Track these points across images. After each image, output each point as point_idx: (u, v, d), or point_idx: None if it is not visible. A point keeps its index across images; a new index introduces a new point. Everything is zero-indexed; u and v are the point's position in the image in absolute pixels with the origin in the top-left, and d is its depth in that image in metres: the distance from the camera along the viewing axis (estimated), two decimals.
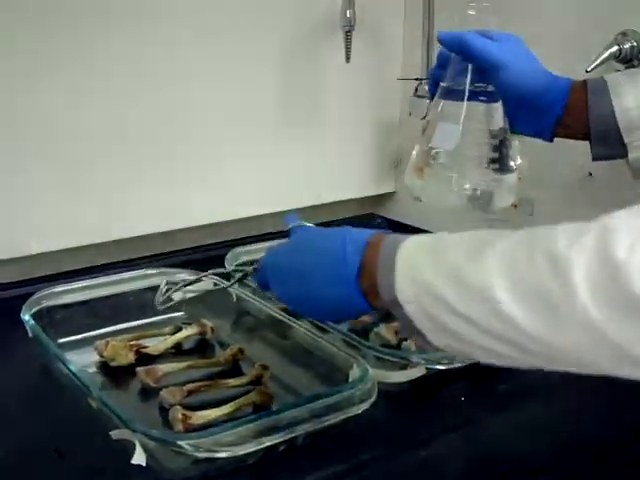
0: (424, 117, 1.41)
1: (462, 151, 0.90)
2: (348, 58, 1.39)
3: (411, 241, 0.69)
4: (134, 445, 0.74)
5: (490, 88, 0.91)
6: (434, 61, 1.40)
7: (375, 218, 1.62)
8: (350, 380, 0.87)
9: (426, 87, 1.42)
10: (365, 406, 0.82)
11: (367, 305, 0.72)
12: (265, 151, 1.41)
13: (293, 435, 0.77)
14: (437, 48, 1.40)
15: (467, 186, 0.91)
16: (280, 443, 0.77)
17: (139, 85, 1.25)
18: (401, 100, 1.56)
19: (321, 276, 0.74)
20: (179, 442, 0.72)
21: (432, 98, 0.95)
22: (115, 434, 0.75)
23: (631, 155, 0.89)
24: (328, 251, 0.75)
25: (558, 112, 0.91)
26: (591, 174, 1.25)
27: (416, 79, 1.44)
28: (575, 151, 1.20)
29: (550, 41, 1.26)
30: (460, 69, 0.91)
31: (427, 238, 0.70)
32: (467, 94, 0.91)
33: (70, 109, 1.19)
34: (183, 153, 1.32)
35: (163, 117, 1.28)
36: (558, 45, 1.23)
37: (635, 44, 1.12)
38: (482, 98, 0.91)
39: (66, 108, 1.18)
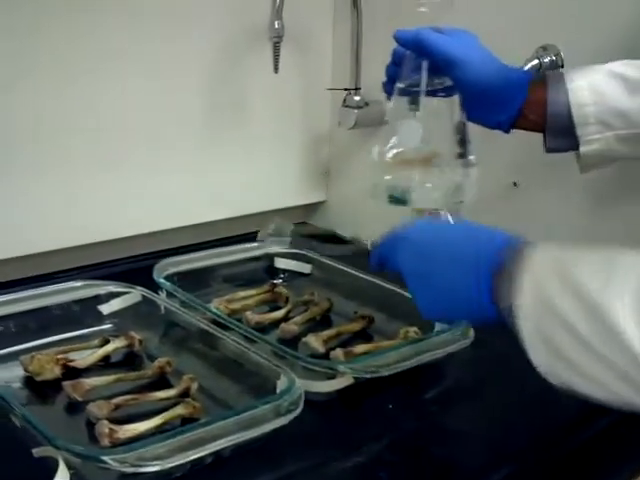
0: (352, 127, 1.44)
1: (433, 148, 0.92)
2: (276, 68, 1.39)
3: (541, 252, 0.69)
4: (58, 462, 0.74)
5: (448, 83, 0.93)
6: (363, 72, 1.44)
7: (307, 227, 1.63)
8: (277, 391, 0.88)
9: (355, 97, 1.44)
10: (292, 416, 0.82)
11: (489, 303, 0.72)
12: (194, 161, 1.41)
13: (220, 447, 0.77)
14: (366, 59, 1.44)
15: (445, 183, 0.93)
16: (207, 455, 0.77)
17: (59, 83, 1.23)
18: (330, 110, 1.57)
19: (459, 263, 0.74)
20: (103, 457, 0.72)
21: (389, 96, 0.96)
22: (37, 451, 0.74)
23: (582, 148, 0.93)
24: (470, 241, 0.75)
25: (518, 106, 0.94)
26: (515, 184, 1.27)
27: (345, 89, 1.46)
28: (500, 161, 1.24)
29: None
30: (416, 66, 0.92)
31: (557, 252, 0.69)
32: (425, 90, 0.92)
33: None
34: (109, 163, 1.31)
35: (89, 125, 1.27)
36: None
37: (554, 58, 1.15)
38: (441, 94, 0.93)
39: None
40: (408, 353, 0.98)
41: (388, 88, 0.97)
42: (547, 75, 0.95)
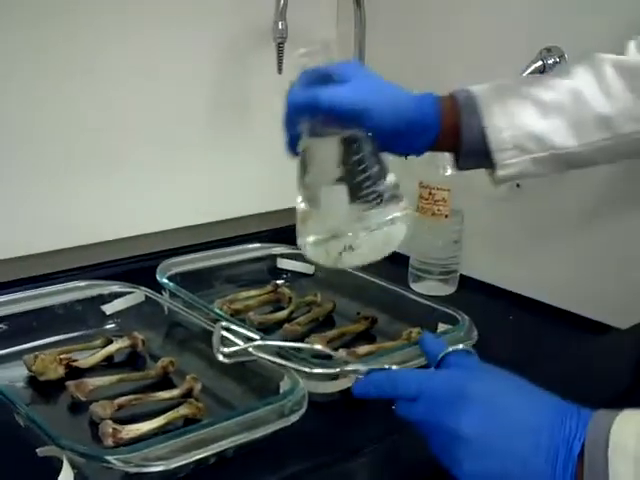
0: None
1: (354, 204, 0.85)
2: (280, 69, 1.39)
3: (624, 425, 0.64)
4: (62, 462, 0.74)
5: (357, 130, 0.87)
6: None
7: None
8: (281, 391, 0.88)
9: None
10: (296, 417, 0.82)
11: None
12: (197, 161, 1.41)
13: (224, 448, 0.77)
14: (370, 59, 1.44)
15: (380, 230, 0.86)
16: (211, 456, 0.77)
17: (61, 82, 1.23)
18: None
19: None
20: (107, 457, 0.72)
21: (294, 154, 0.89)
22: (41, 451, 0.74)
23: (500, 172, 0.92)
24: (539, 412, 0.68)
25: (432, 137, 0.92)
26: (518, 185, 1.27)
27: None
28: None
29: (474, 54, 1.29)
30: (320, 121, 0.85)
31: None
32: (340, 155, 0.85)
33: None
34: (112, 163, 1.31)
35: (91, 125, 1.27)
36: (482, 58, 1.26)
37: (558, 60, 1.15)
38: (355, 145, 0.86)
39: None
40: (411, 354, 0.98)
41: (292, 146, 0.90)
42: (457, 98, 0.92)
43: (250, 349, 0.78)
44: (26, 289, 1.11)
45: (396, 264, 1.32)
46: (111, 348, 1.04)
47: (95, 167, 1.29)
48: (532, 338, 1.17)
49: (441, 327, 1.09)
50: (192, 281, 1.20)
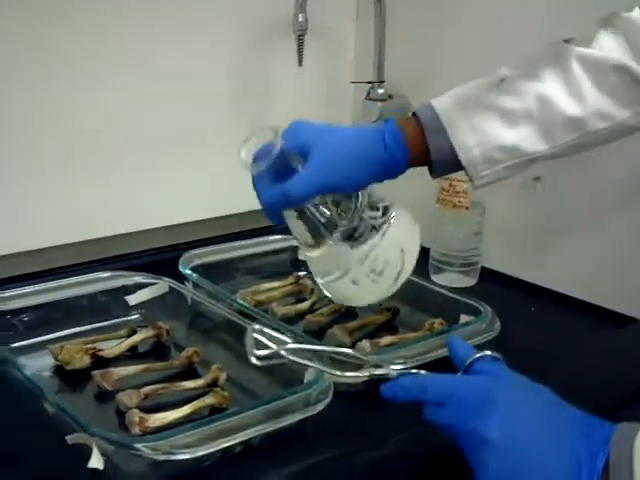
0: (376, 120, 1.44)
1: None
2: (300, 62, 1.40)
3: None
4: (91, 449, 0.75)
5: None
6: (386, 64, 1.44)
7: None
8: (305, 381, 0.88)
9: (379, 90, 1.44)
10: (321, 406, 0.83)
11: None
12: (217, 153, 1.41)
13: (250, 436, 0.78)
14: (390, 52, 1.44)
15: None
16: (237, 444, 0.78)
17: (89, 79, 1.25)
18: (352, 103, 1.57)
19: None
20: (136, 445, 0.73)
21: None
22: (71, 438, 0.75)
23: (475, 182, 0.93)
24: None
25: (403, 167, 0.92)
26: (538, 178, 1.27)
27: (368, 82, 1.46)
28: None
29: (492, 48, 1.29)
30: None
31: None
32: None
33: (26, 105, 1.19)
34: (136, 154, 1.32)
35: (115, 116, 1.28)
36: (500, 52, 1.26)
37: None
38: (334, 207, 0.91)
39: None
40: (434, 345, 0.98)
41: (275, 219, 0.93)
42: (421, 120, 0.91)
43: (282, 352, 0.78)
44: (50, 280, 1.12)
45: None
46: (136, 338, 1.05)
47: (119, 160, 1.30)
48: (554, 330, 1.17)
49: (463, 318, 1.10)
50: (214, 272, 1.21)
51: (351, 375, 0.82)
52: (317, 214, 0.90)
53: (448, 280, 1.30)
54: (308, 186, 0.86)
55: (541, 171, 1.24)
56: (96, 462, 0.73)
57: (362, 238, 0.91)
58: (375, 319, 1.15)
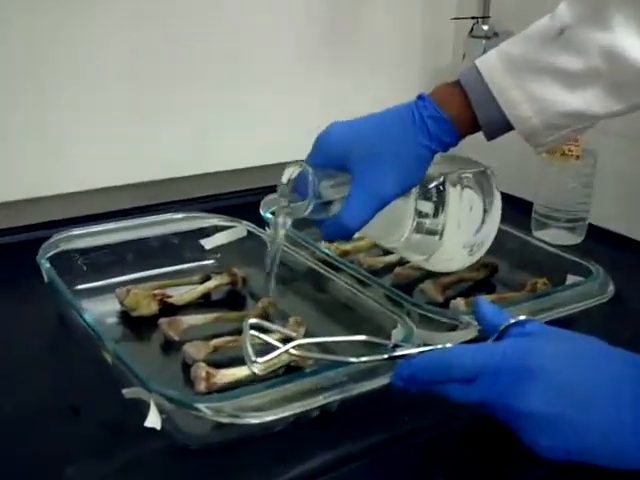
0: None
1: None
2: None
3: None
4: (148, 405, 0.66)
5: None
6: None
7: None
8: (394, 339, 0.78)
9: (483, 27, 1.33)
10: None
11: None
12: (298, 88, 1.32)
13: (327, 401, 0.68)
14: (495, 9, 1.31)
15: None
16: (311, 410, 0.68)
17: (150, 15, 1.16)
18: (454, 42, 1.45)
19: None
20: (198, 405, 0.64)
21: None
22: (128, 392, 0.67)
23: (539, 149, 0.85)
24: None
25: (453, 146, 0.83)
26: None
27: (472, 17, 1.33)
28: None
29: None
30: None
31: None
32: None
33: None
34: (210, 92, 1.24)
35: (190, 55, 1.20)
36: None
37: None
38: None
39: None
40: (539, 306, 0.87)
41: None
42: (467, 90, 0.80)
43: (291, 350, 0.67)
44: (118, 220, 1.04)
45: (518, 210, 1.22)
46: (209, 285, 0.96)
47: (199, 98, 1.23)
48: None
49: (570, 279, 0.98)
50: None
51: (367, 360, 0.69)
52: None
53: (552, 237, 1.18)
54: (361, 214, 0.79)
55: None
56: (153, 421, 0.64)
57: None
58: (472, 276, 1.04)
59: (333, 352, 0.76)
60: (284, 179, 0.81)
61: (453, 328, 0.85)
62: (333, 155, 0.80)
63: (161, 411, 0.65)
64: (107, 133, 1.16)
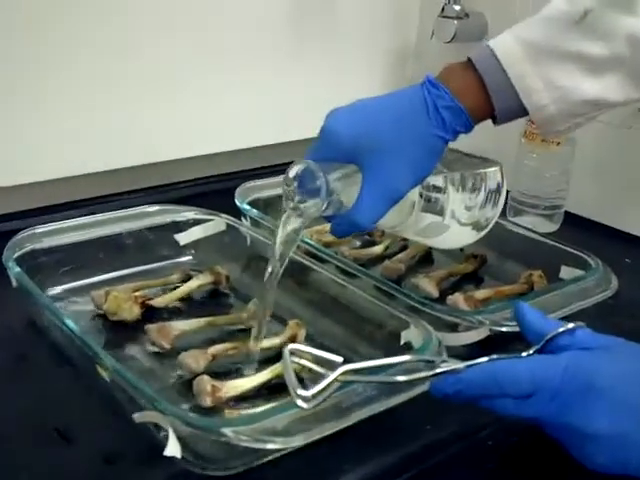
0: (449, 40, 1.27)
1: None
2: None
3: None
4: (156, 425, 0.59)
5: None
6: None
7: None
8: (403, 341, 0.74)
9: (455, 7, 1.27)
10: None
11: None
12: (268, 75, 1.26)
13: (359, 419, 0.61)
14: None
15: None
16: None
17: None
18: (419, 21, 1.40)
19: None
20: (224, 430, 0.56)
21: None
22: (139, 417, 0.59)
23: (550, 136, 0.90)
24: None
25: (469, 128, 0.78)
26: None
27: None
28: None
29: None
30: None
31: None
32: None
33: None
34: (181, 76, 1.16)
35: (165, 38, 1.13)
36: None
37: None
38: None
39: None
40: (545, 302, 0.83)
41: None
42: (482, 75, 0.76)
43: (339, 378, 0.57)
44: (88, 214, 0.96)
45: None
46: (192, 285, 0.89)
47: (170, 83, 1.15)
48: None
49: (565, 271, 0.94)
50: (274, 208, 1.04)
51: (415, 378, 0.61)
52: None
53: (527, 223, 1.14)
54: (374, 211, 0.73)
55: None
56: (173, 450, 0.57)
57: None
58: (461, 268, 1.00)
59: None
60: (289, 179, 0.74)
61: (454, 325, 0.80)
62: (342, 148, 0.73)
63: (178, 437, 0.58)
64: (70, 121, 1.07)
